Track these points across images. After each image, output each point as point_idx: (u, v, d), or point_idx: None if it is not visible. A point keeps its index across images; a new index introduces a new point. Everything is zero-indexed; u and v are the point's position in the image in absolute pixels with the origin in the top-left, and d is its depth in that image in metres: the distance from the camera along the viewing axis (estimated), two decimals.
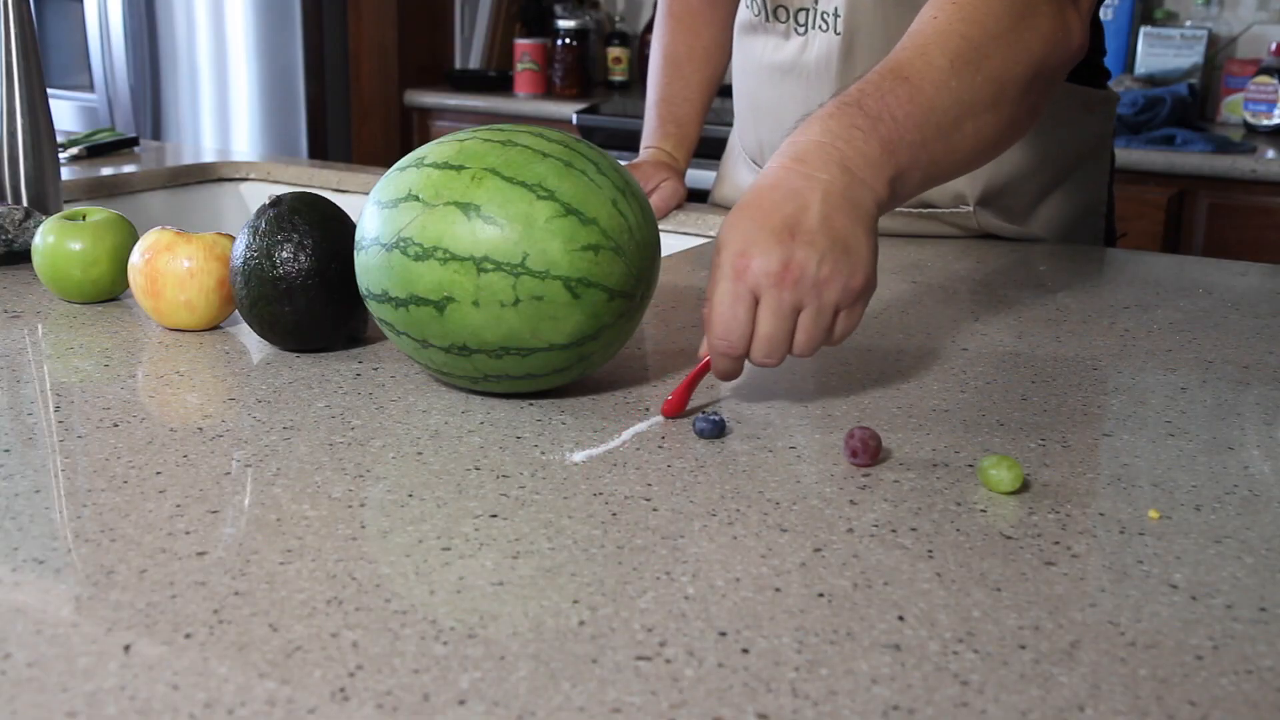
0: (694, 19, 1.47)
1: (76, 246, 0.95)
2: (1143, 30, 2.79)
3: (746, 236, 0.73)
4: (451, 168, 0.72)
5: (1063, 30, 0.90)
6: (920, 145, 0.80)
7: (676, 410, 0.75)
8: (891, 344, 0.92)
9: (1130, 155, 2.36)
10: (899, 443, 0.72)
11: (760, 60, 1.31)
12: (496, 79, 3.28)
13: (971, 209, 1.27)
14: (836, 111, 0.79)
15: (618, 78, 3.34)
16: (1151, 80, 2.75)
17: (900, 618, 0.52)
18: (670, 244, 1.39)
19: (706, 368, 0.75)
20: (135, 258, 0.89)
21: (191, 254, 0.88)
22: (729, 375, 0.76)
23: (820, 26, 1.24)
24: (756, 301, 0.73)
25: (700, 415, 0.72)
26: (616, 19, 3.44)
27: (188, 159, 1.68)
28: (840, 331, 0.76)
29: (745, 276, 0.72)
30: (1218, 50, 2.80)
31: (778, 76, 1.29)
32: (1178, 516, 0.63)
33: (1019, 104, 0.87)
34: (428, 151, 0.75)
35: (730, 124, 1.54)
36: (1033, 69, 0.88)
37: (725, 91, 1.52)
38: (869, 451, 0.68)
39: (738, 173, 1.46)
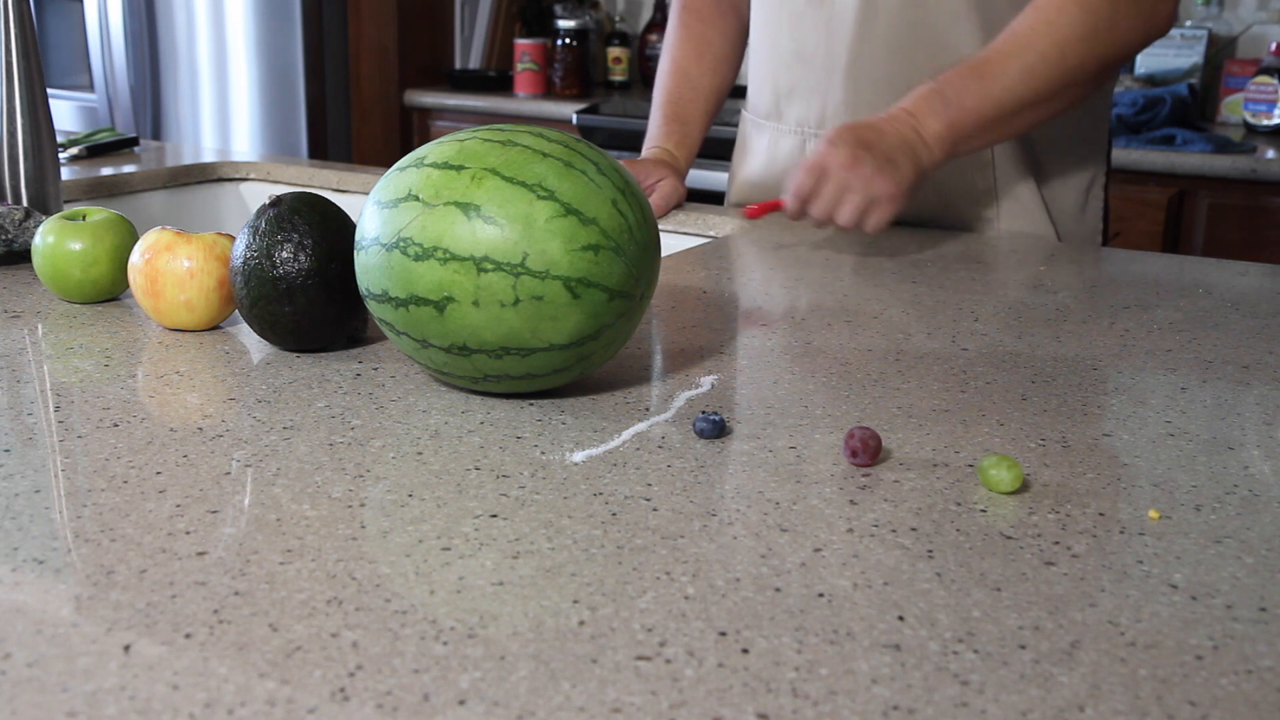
0: (705, 30, 1.49)
1: (76, 246, 0.95)
2: None
3: (838, 138, 1.12)
4: (451, 168, 0.72)
5: (1147, 21, 1.15)
6: (980, 126, 1.14)
7: (755, 215, 1.25)
8: (891, 344, 0.92)
9: (1130, 155, 2.36)
10: (899, 443, 0.72)
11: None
12: (496, 79, 3.28)
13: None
14: (924, 92, 1.14)
15: (618, 78, 3.34)
16: (1151, 80, 2.75)
17: (900, 618, 0.52)
18: (670, 244, 1.39)
19: (780, 205, 1.18)
20: (135, 258, 0.89)
21: (191, 254, 0.88)
22: (794, 217, 1.16)
23: None
24: (826, 177, 1.11)
25: (700, 415, 0.72)
26: (616, 19, 3.44)
27: (188, 159, 1.68)
28: (873, 222, 1.13)
29: (826, 158, 1.12)
30: (1218, 50, 2.80)
31: (804, 13, 1.34)
32: (1178, 516, 0.63)
33: (1082, 90, 1.16)
34: (428, 151, 0.75)
35: (732, 124, 1.54)
36: (1103, 65, 1.15)
37: (734, 93, 1.53)
38: (869, 451, 0.68)
39: (753, 147, 1.46)
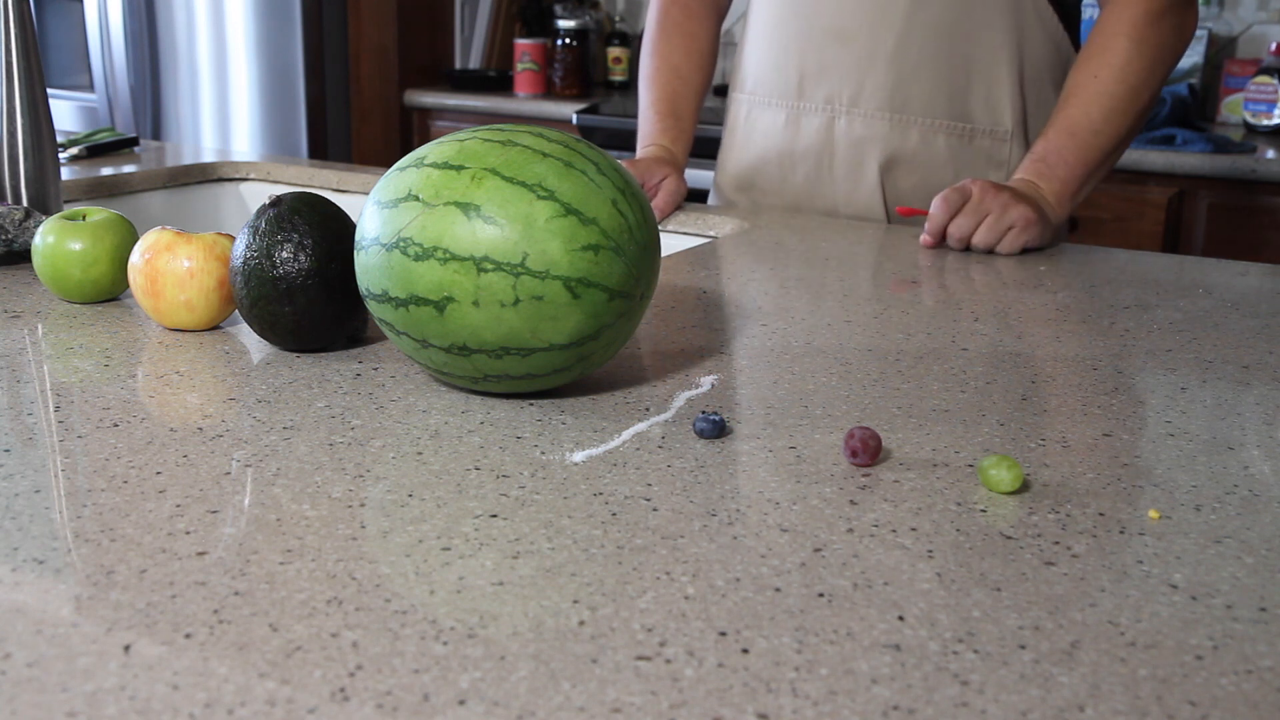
0: (691, 25, 1.49)
1: (76, 246, 0.95)
2: None
3: (974, 180, 1.25)
4: (451, 168, 0.72)
5: (1184, 33, 1.28)
6: (1086, 175, 1.29)
7: (906, 214, 1.37)
8: (891, 344, 0.92)
9: (1130, 155, 2.36)
10: (899, 443, 0.72)
11: None
12: (496, 79, 3.28)
13: (1009, 129, 1.39)
14: (1030, 165, 1.29)
15: (618, 78, 3.34)
16: None
17: (900, 618, 0.52)
18: (670, 244, 1.39)
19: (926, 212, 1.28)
20: (135, 258, 0.89)
21: (191, 254, 0.88)
22: (934, 232, 1.25)
23: None
24: (965, 202, 1.23)
25: (700, 415, 0.72)
26: (616, 19, 3.44)
27: (188, 159, 1.68)
28: (1009, 242, 1.23)
29: (968, 184, 1.24)
30: (1218, 50, 2.80)
31: None
32: (1178, 516, 0.63)
33: (1147, 114, 1.31)
34: (428, 151, 0.75)
35: (715, 123, 1.55)
36: (1162, 82, 1.29)
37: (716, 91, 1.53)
38: (869, 451, 0.68)
39: (759, 127, 1.46)
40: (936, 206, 1.24)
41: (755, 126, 1.47)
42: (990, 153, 1.38)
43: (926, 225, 1.25)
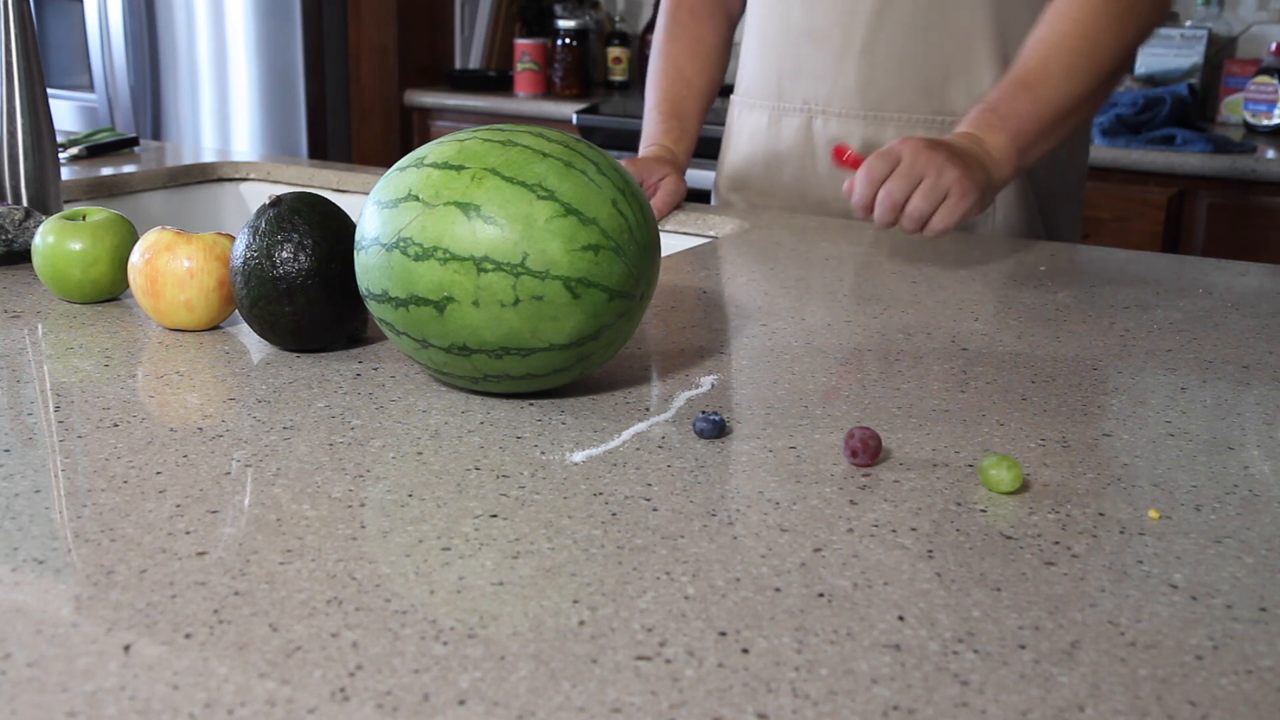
0: (698, 27, 1.49)
1: (76, 246, 0.95)
2: None
3: (908, 138, 1.11)
4: (451, 168, 0.72)
5: (1160, 9, 1.20)
6: (1040, 133, 1.16)
7: (839, 155, 1.18)
8: (891, 344, 0.92)
9: (1130, 155, 2.36)
10: (899, 443, 0.72)
11: None
12: (496, 79, 3.28)
13: None
14: (978, 114, 1.16)
15: (618, 78, 3.34)
16: (1151, 80, 2.75)
17: (900, 618, 0.52)
18: (670, 244, 1.39)
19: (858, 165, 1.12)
20: (135, 258, 0.89)
21: (191, 254, 0.88)
22: (862, 204, 1.10)
23: None
24: (899, 162, 1.08)
25: (700, 415, 0.72)
26: (616, 19, 3.44)
27: (188, 159, 1.68)
28: (942, 216, 1.09)
29: (899, 145, 1.09)
30: (1218, 50, 2.80)
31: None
32: (1178, 516, 0.63)
33: (1112, 83, 1.22)
34: (428, 151, 0.75)
35: (722, 124, 1.55)
36: (1130, 50, 1.20)
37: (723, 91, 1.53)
38: (869, 451, 0.68)
39: (747, 128, 1.47)
40: (861, 174, 1.10)
41: (744, 128, 1.47)
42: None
43: (854, 199, 1.11)
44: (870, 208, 1.10)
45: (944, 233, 1.11)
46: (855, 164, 1.14)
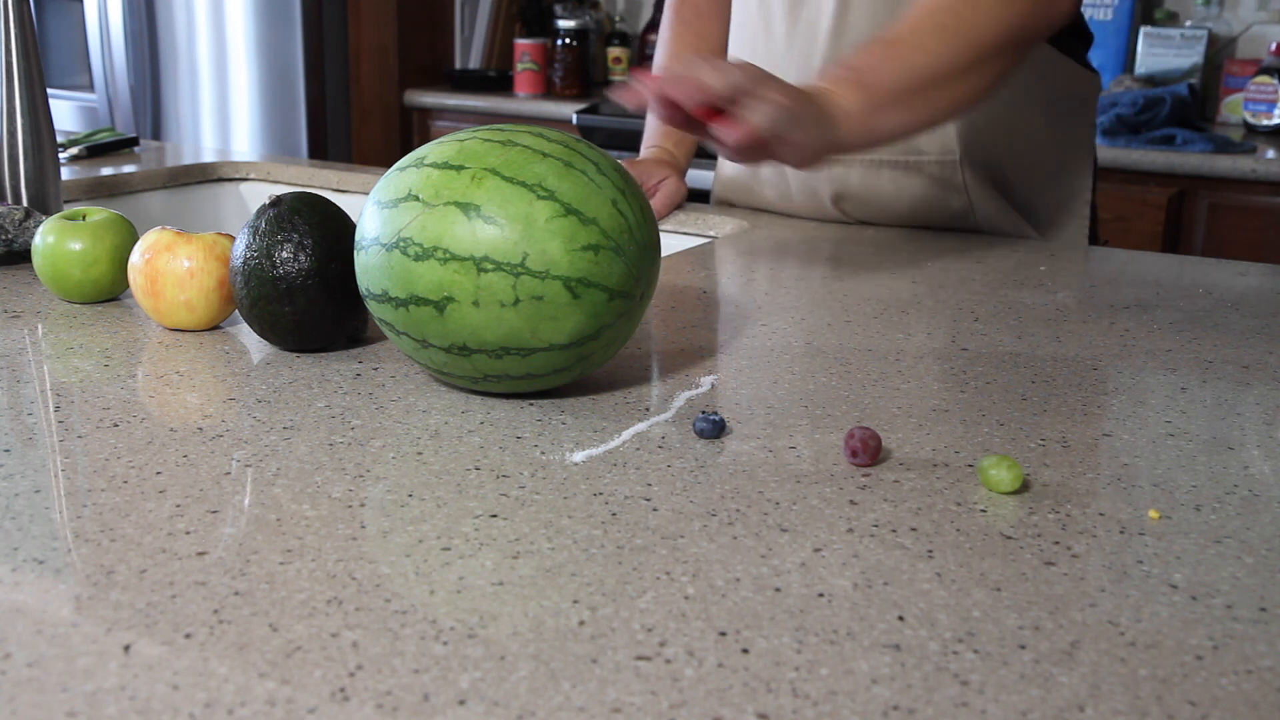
0: (701, 23, 1.48)
1: (76, 246, 0.95)
2: (1143, 30, 2.79)
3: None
4: (451, 168, 0.72)
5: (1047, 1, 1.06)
6: (897, 94, 0.99)
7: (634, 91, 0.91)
8: (891, 344, 0.92)
9: (1130, 155, 2.36)
10: (899, 443, 0.72)
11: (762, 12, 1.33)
12: (496, 79, 3.28)
13: (957, 158, 1.29)
14: (835, 71, 1.00)
15: (618, 78, 3.34)
16: (1151, 80, 2.75)
17: (900, 618, 0.52)
18: (670, 244, 1.39)
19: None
20: (135, 258, 0.89)
21: (191, 254, 0.88)
22: (652, 96, 0.89)
23: None
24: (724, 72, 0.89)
25: (700, 415, 0.72)
26: (616, 19, 3.44)
27: (188, 159, 1.68)
28: (752, 116, 0.89)
29: (727, 63, 0.90)
30: (1218, 50, 2.80)
31: (781, 26, 1.32)
32: (1178, 516, 0.63)
33: (995, 66, 1.05)
34: (428, 151, 0.75)
35: None
36: (1012, 37, 1.05)
37: None
38: (869, 451, 0.68)
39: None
40: (669, 76, 0.90)
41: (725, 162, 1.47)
42: (941, 178, 1.32)
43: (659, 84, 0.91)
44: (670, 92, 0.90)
45: (739, 141, 0.90)
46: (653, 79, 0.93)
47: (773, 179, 1.40)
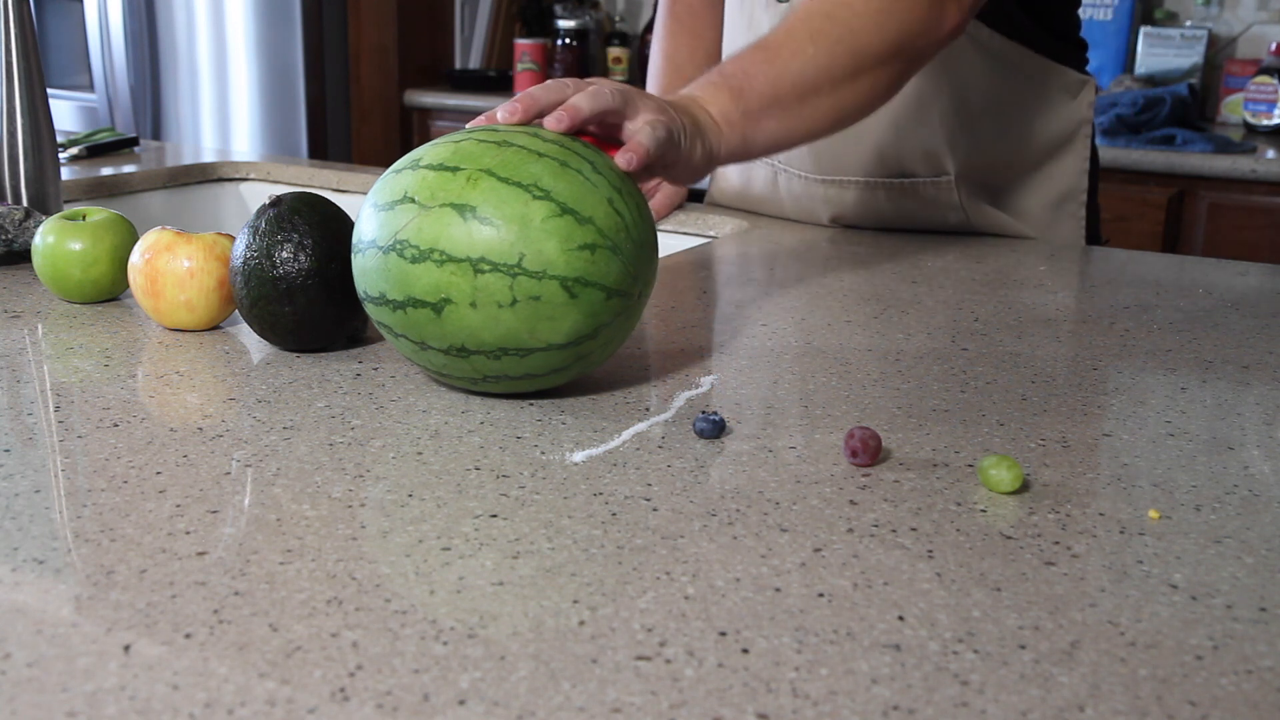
0: (696, 23, 1.48)
1: (76, 246, 0.95)
2: (1143, 30, 2.79)
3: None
4: (447, 169, 0.72)
5: (935, 15, 1.01)
6: (773, 100, 0.93)
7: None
8: (891, 344, 0.92)
9: (1130, 155, 2.36)
10: (899, 443, 0.72)
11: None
12: (496, 79, 3.28)
13: (952, 178, 1.28)
14: (707, 78, 0.94)
15: (618, 78, 3.34)
16: (1151, 80, 2.75)
17: (900, 618, 0.52)
18: (669, 244, 1.39)
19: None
20: (135, 258, 0.89)
21: (191, 254, 0.88)
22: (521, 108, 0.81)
23: None
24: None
25: (700, 415, 0.72)
26: (616, 19, 3.44)
27: (188, 159, 1.68)
28: (643, 139, 0.82)
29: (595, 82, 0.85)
30: (1218, 50, 2.80)
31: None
32: (1178, 516, 0.63)
33: (877, 77, 1.00)
34: (423, 153, 0.75)
35: None
36: (894, 47, 1.00)
37: None
38: (869, 451, 0.68)
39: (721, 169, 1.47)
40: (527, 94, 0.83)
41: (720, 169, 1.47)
42: (936, 198, 1.31)
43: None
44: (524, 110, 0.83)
45: (631, 168, 0.81)
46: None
47: (767, 196, 1.40)
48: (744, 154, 0.95)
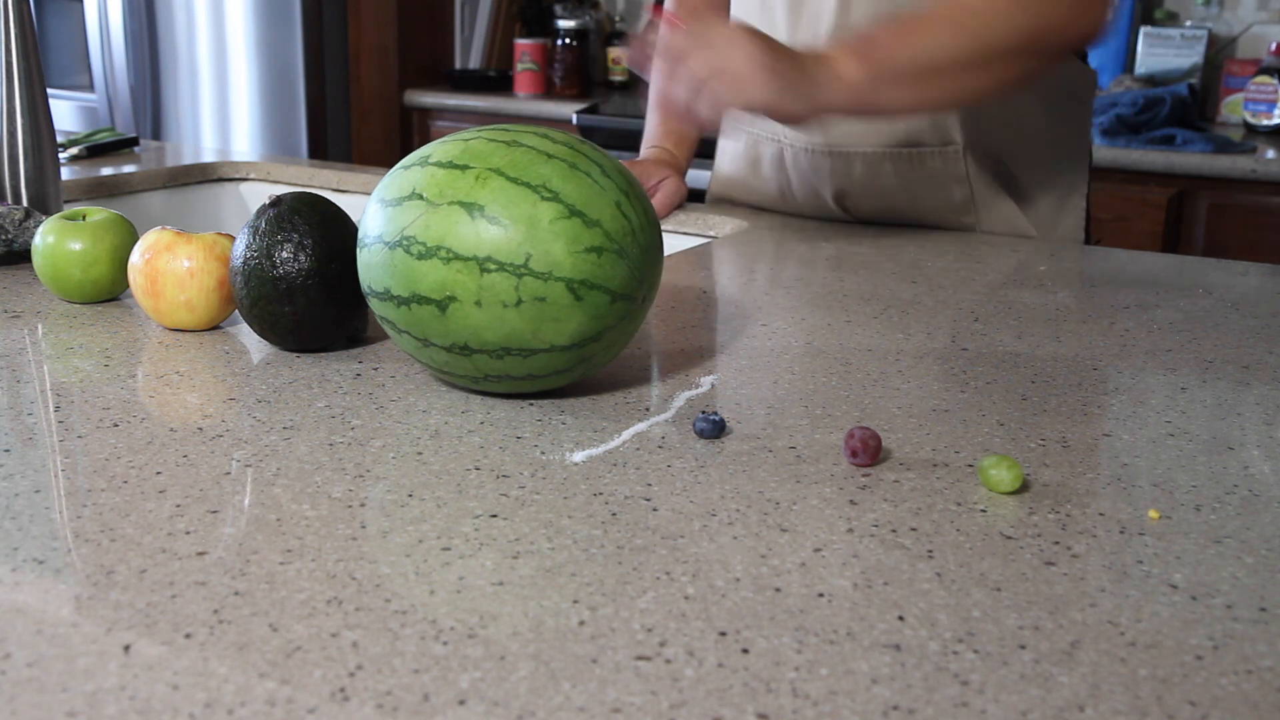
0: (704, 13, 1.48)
1: (76, 246, 0.95)
2: (1143, 30, 2.79)
3: (737, 24, 1.00)
4: (456, 167, 0.72)
5: (1074, 13, 1.08)
6: (901, 74, 1.02)
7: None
8: (891, 344, 0.92)
9: (1130, 155, 2.36)
10: (899, 443, 0.72)
11: None
12: (496, 79, 3.28)
13: (959, 146, 1.29)
14: (847, 40, 1.04)
15: (618, 78, 3.34)
16: (1151, 80, 2.75)
17: (900, 618, 0.52)
18: (671, 244, 1.39)
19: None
20: (135, 258, 0.89)
21: (191, 254, 0.88)
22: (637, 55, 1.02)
23: None
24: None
25: (700, 415, 0.72)
26: (616, 19, 3.44)
27: (188, 159, 1.68)
28: (705, 99, 0.96)
29: (716, 27, 0.99)
30: (1218, 50, 2.80)
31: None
32: (1178, 516, 0.63)
33: (1006, 69, 1.07)
34: (432, 150, 0.75)
35: None
36: (1025, 42, 1.06)
37: None
38: (869, 451, 0.68)
39: (723, 149, 1.47)
40: (661, 51, 0.99)
41: (725, 150, 1.47)
42: (944, 170, 1.32)
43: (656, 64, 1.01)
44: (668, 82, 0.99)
45: (709, 112, 0.97)
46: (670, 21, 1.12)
47: (773, 176, 1.41)
48: (860, 113, 1.07)
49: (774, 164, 1.40)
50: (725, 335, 0.94)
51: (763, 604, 0.52)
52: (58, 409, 0.74)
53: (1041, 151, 1.36)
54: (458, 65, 3.40)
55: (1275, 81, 2.57)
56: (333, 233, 0.83)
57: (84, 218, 0.97)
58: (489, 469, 0.66)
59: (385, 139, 3.23)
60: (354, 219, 0.86)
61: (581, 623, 0.51)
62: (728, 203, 1.49)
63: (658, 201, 1.37)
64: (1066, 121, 1.37)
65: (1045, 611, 0.53)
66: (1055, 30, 1.08)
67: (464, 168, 0.72)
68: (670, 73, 0.97)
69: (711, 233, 1.38)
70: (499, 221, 0.70)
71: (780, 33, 1.32)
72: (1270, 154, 2.33)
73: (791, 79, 0.98)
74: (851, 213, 1.38)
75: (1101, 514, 0.63)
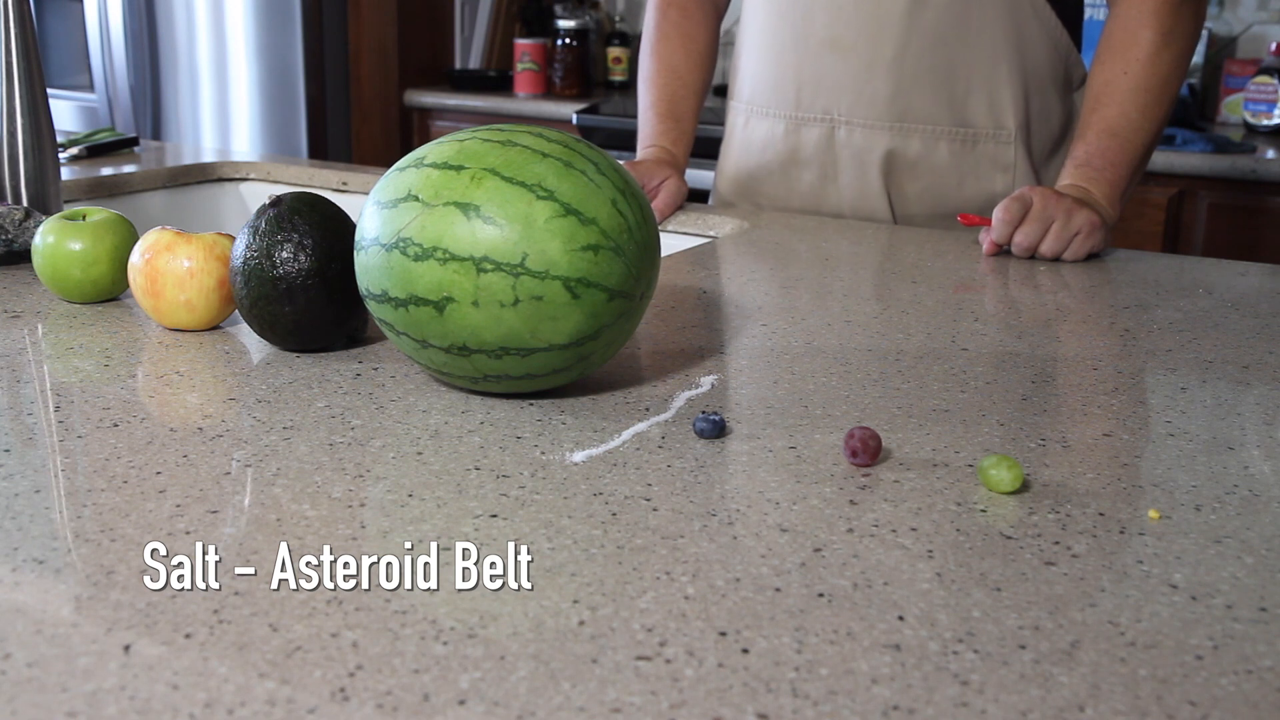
0: (689, 25, 1.49)
1: (76, 246, 0.95)
2: None
3: (1030, 188, 1.23)
4: (451, 168, 0.72)
5: (1202, 16, 1.29)
6: (1130, 174, 1.27)
7: (968, 222, 1.30)
8: (891, 344, 0.92)
9: None
10: (899, 443, 0.72)
11: None
12: (496, 79, 3.28)
13: (1012, 132, 1.36)
14: (1075, 169, 1.27)
15: (618, 78, 3.34)
16: None
17: (900, 618, 0.52)
18: (670, 244, 1.39)
19: (989, 223, 1.24)
20: (135, 258, 0.89)
21: (191, 254, 0.88)
22: (998, 239, 1.22)
23: None
24: (1027, 212, 1.21)
25: (700, 415, 0.72)
26: (616, 19, 3.44)
27: (188, 159, 1.68)
28: (1075, 249, 1.21)
29: (1027, 192, 1.22)
30: (1218, 50, 2.80)
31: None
32: (1178, 516, 0.63)
33: (1177, 98, 1.31)
34: (427, 152, 0.75)
35: (715, 123, 1.55)
36: (1187, 69, 1.29)
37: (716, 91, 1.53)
38: (869, 451, 0.68)
39: (753, 138, 1.46)
40: (998, 216, 1.21)
41: (754, 136, 1.47)
42: (994, 156, 1.36)
43: (990, 234, 1.23)
44: (999, 246, 1.23)
45: (1075, 258, 1.23)
46: (979, 222, 1.29)
47: (815, 157, 1.41)
48: (1116, 218, 1.27)
49: (822, 142, 1.40)
50: (725, 335, 0.94)
51: (763, 604, 0.52)
52: (58, 409, 0.74)
53: (1055, 143, 1.40)
54: (458, 65, 3.40)
55: (1275, 81, 2.57)
56: (333, 233, 0.83)
57: (84, 218, 0.97)
58: (489, 469, 0.66)
59: (385, 139, 3.23)
60: (354, 219, 0.86)
61: (581, 623, 0.50)
62: (748, 198, 1.48)
63: (660, 202, 1.37)
64: (1072, 113, 1.41)
65: (1045, 611, 0.53)
66: (1197, 38, 1.29)
67: (459, 168, 0.72)
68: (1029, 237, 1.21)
69: (712, 233, 1.38)
70: (494, 221, 0.70)
71: (820, 8, 1.34)
72: (1270, 154, 2.33)
73: (1100, 219, 1.22)
74: (894, 194, 1.39)
75: (1101, 514, 0.63)
